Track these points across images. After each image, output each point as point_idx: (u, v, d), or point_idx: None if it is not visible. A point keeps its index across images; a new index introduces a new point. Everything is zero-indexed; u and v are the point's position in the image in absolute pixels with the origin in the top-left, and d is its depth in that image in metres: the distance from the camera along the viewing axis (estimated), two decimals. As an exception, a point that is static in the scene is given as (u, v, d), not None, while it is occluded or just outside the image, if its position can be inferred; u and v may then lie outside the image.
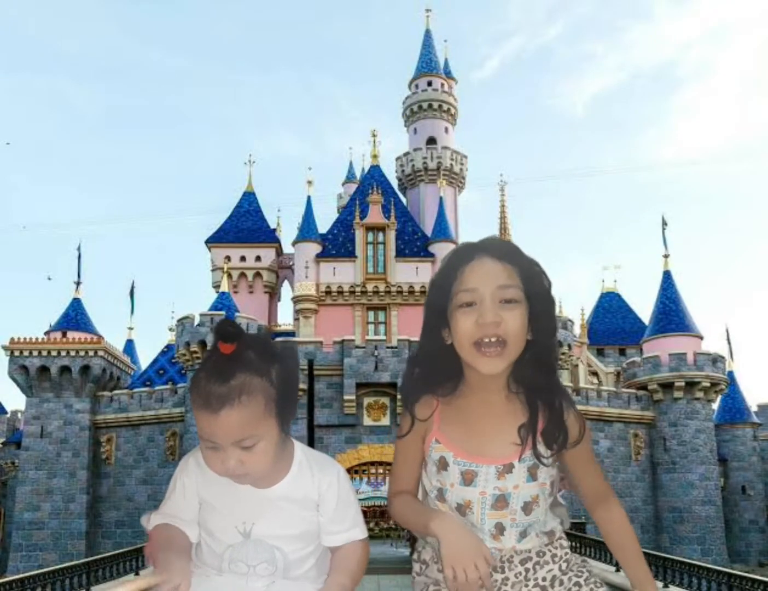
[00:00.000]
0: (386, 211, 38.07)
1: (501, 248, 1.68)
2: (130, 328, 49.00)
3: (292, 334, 36.28)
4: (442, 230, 37.75)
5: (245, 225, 42.45)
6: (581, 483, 1.79)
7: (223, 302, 34.58)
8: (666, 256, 38.51)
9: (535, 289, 1.65)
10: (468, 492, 1.69)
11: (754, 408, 43.26)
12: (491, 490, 1.68)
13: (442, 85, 43.91)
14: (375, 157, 42.00)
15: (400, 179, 43.87)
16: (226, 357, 1.59)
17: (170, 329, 41.91)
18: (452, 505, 1.71)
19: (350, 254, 37.60)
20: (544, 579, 1.73)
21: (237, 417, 1.56)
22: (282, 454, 1.71)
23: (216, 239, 41.65)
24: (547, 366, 1.69)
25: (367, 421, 31.33)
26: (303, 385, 30.94)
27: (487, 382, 1.67)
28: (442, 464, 1.72)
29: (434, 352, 1.71)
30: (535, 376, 1.67)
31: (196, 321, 32.90)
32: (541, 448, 1.69)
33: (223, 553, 1.72)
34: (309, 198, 39.04)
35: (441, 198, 39.06)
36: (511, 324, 1.60)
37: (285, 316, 42.55)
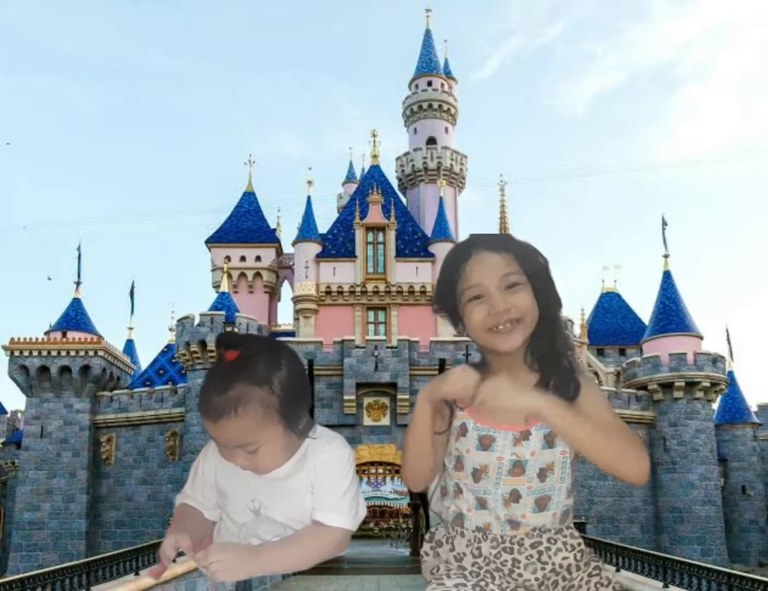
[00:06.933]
0: (386, 211, 38.03)
1: (494, 240, 1.80)
2: (130, 328, 49.02)
3: (292, 334, 36.26)
4: (442, 230, 37.71)
5: (245, 225, 42.42)
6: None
7: (223, 302, 34.55)
8: (666, 256, 38.48)
9: (533, 268, 1.77)
10: (484, 456, 1.76)
11: (754, 408, 43.21)
12: (508, 456, 1.75)
13: (442, 85, 43.88)
14: (375, 157, 41.95)
15: (400, 179, 43.82)
16: (228, 364, 1.63)
17: (170, 329, 41.88)
18: (468, 471, 1.78)
19: (350, 254, 37.56)
20: (560, 566, 1.77)
21: (234, 427, 1.61)
22: (291, 447, 1.76)
23: (216, 239, 41.62)
24: (554, 336, 1.79)
25: (367, 421, 31.29)
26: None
27: (505, 362, 1.76)
28: (462, 431, 1.79)
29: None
30: (544, 347, 1.77)
31: (196, 321, 32.89)
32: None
33: (239, 532, 1.84)
34: (309, 198, 39.00)
35: (441, 198, 39.02)
36: (521, 305, 1.72)
37: (285, 316, 42.58)
